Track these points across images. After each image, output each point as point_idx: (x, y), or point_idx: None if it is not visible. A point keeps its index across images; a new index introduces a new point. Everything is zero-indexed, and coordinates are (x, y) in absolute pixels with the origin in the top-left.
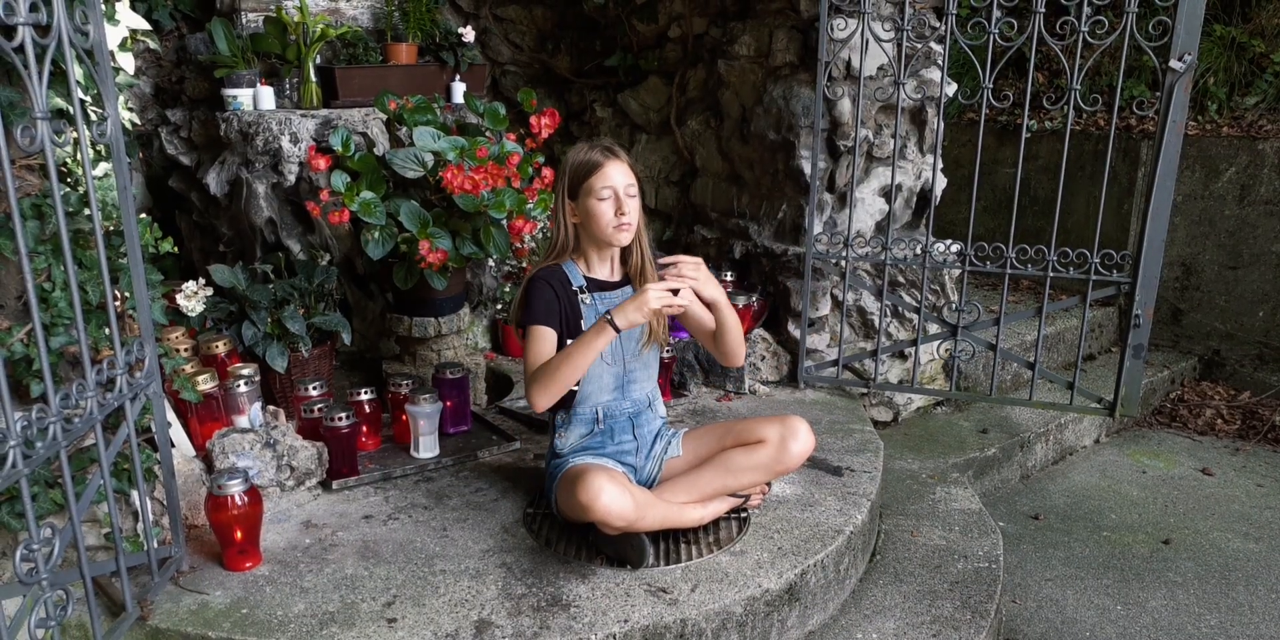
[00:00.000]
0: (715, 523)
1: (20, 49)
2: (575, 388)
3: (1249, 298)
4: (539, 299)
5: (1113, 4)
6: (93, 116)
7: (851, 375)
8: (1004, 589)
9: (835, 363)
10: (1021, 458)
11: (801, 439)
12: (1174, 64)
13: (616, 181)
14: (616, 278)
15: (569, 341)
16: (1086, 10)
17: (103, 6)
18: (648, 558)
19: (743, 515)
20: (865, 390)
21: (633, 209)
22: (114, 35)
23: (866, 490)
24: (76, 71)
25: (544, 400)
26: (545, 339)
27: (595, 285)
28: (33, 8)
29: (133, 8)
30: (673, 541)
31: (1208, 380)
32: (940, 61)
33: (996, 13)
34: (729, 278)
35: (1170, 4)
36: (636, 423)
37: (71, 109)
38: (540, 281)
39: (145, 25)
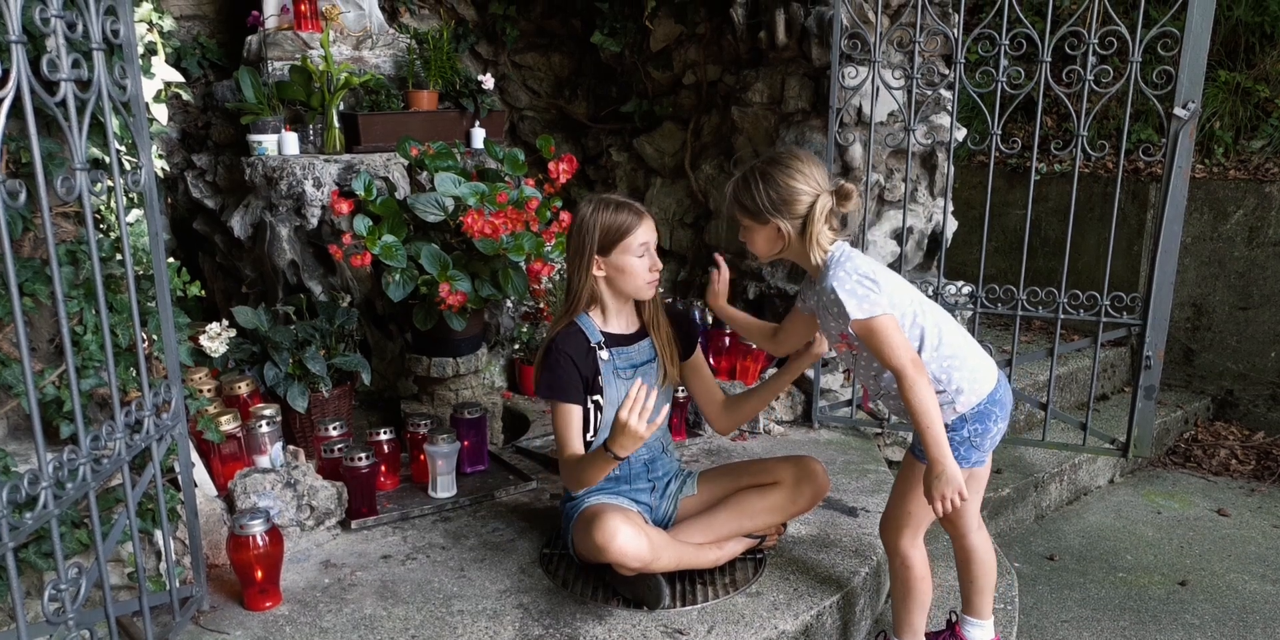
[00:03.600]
0: (731, 564)
1: (62, 103)
2: (591, 439)
3: (1261, 338)
4: (559, 372)
5: (1118, 52)
6: (126, 166)
7: (865, 415)
8: (1020, 630)
9: (849, 403)
10: (1036, 498)
11: (815, 481)
12: (1178, 112)
13: (650, 239)
14: (632, 329)
15: (590, 398)
16: (1091, 59)
17: (139, 61)
18: (664, 599)
19: (759, 556)
20: (879, 430)
21: (657, 263)
22: (149, 88)
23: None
24: (113, 123)
25: (574, 489)
26: (568, 415)
27: (613, 340)
28: (74, 64)
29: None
30: (689, 582)
31: (1221, 420)
32: (950, 107)
33: (1004, 61)
34: None
35: (1173, 53)
36: (651, 468)
37: (108, 159)
38: (559, 352)
39: (179, 78)
